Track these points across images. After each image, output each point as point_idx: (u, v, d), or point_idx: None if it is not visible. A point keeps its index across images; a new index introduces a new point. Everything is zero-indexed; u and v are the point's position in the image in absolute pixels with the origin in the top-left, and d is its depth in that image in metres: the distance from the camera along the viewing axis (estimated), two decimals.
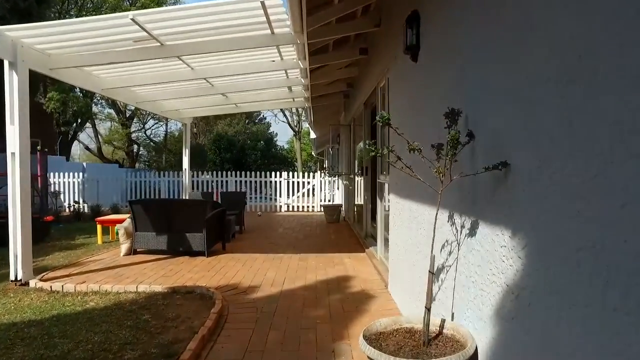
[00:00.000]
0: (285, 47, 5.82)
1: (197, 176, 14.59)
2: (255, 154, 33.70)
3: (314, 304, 4.16)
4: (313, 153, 27.75)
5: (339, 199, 13.64)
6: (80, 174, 14.31)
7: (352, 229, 9.18)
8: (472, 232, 2.11)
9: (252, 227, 9.93)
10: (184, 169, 10.72)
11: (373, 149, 2.22)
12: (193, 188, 14.47)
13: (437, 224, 2.60)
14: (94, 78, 6.35)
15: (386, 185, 5.61)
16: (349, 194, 10.56)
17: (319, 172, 14.33)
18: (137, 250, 6.60)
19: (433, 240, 2.15)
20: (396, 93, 4.23)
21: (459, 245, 2.32)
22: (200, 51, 5.29)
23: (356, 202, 9.78)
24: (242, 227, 9.25)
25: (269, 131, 39.22)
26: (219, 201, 9.49)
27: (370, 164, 7.47)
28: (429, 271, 2.08)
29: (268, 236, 8.63)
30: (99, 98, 25.18)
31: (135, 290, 4.48)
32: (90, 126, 27.84)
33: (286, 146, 40.61)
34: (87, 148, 29.11)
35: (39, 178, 9.48)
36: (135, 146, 30.27)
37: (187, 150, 10.63)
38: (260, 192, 14.35)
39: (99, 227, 7.83)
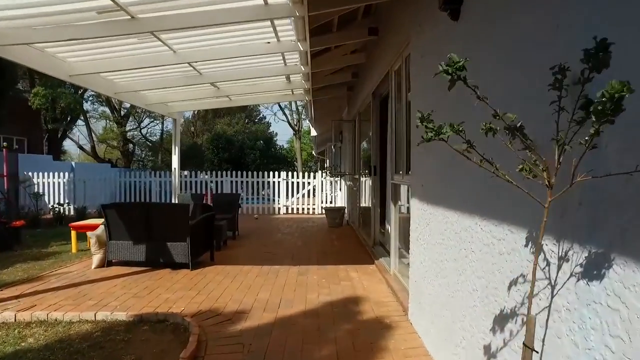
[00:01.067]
0: (282, 25, 4.93)
1: (193, 176, 13.70)
2: (254, 153, 32.81)
3: (317, 338, 3.27)
4: (314, 152, 26.82)
5: (341, 200, 12.75)
6: (67, 174, 13.45)
7: (357, 235, 8.29)
8: (595, 274, 1.22)
9: (248, 232, 9.04)
10: (173, 169, 9.84)
11: (431, 128, 1.30)
12: (186, 189, 13.60)
13: (502, 248, 1.72)
14: (58, 62, 5.45)
15: (404, 188, 4.73)
16: (353, 195, 9.68)
17: (319, 172, 13.45)
18: (112, 261, 5.72)
19: (533, 283, 1.26)
20: (422, 70, 3.34)
21: (553, 287, 1.43)
22: (179, 26, 4.40)
23: (361, 205, 8.89)
24: (235, 232, 8.37)
25: (269, 131, 38.36)
26: (211, 203, 8.61)
27: (379, 162, 6.58)
28: (524, 344, 1.19)
29: (264, 242, 7.74)
30: (93, 95, 24.33)
31: (92, 319, 3.59)
32: (84, 124, 26.97)
33: (286, 145, 39.70)
34: (80, 147, 28.20)
35: (4, 178, 8.57)
36: (131, 145, 29.37)
37: (176, 148, 9.75)
38: (257, 194, 13.47)
39: (73, 233, 6.94)
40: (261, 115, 39.80)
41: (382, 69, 5.47)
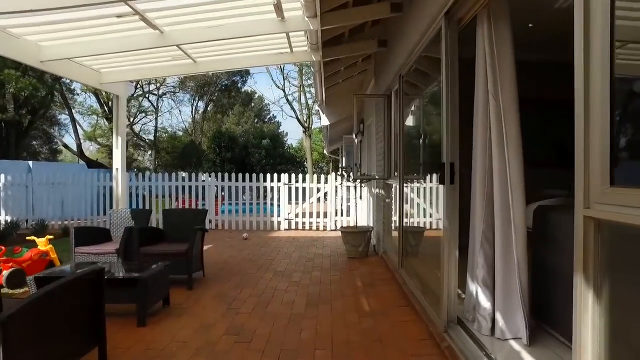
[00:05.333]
0: None
1: (172, 180, 10.37)
2: (260, 153, 29.61)
3: None
4: (325, 151, 23.33)
5: (361, 213, 9.37)
6: (16, 176, 10.34)
7: (398, 282, 4.89)
8: None
9: (220, 269, 5.74)
10: (114, 169, 6.60)
11: None
12: (172, 194, 10.35)
13: None
14: None
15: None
16: (386, 210, 6.31)
17: (333, 174, 10.10)
18: None
19: None
20: None
21: None
22: None
23: (396, 225, 5.50)
24: (199, 271, 5.11)
25: (279, 130, 35.12)
26: (158, 225, 5.34)
27: (457, 159, 3.21)
28: None
29: (239, 297, 4.43)
30: (69, 83, 21.36)
31: None
32: (69, 120, 24.07)
33: (295, 144, 36.38)
34: (65, 146, 25.27)
35: None
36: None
37: (119, 138, 6.51)
38: (237, 199, 10.14)
39: None
40: (271, 114, 36.68)
41: None
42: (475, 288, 2.95)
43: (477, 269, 2.92)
